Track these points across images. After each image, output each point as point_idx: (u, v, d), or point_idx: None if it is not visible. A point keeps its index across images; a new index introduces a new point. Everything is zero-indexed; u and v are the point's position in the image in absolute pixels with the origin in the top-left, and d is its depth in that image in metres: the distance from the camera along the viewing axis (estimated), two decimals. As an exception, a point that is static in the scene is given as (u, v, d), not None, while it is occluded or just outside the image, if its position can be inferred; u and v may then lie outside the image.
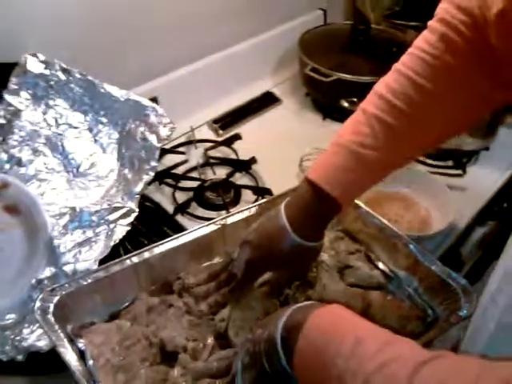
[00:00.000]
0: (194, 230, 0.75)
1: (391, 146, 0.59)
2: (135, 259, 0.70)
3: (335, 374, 0.40)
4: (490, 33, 0.54)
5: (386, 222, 0.76)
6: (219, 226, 0.76)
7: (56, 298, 0.64)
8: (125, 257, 0.70)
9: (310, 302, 0.53)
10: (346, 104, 0.97)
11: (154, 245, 0.72)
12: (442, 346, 0.68)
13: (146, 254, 0.71)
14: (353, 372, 0.39)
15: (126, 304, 0.70)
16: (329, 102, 1.12)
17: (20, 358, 0.64)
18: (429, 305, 0.70)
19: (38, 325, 0.65)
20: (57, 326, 0.61)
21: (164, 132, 0.89)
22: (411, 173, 0.90)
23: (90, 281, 0.67)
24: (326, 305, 0.48)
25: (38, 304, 0.62)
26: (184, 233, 0.75)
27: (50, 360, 0.62)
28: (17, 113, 0.85)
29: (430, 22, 0.59)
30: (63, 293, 0.64)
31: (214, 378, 0.58)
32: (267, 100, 1.19)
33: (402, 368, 0.37)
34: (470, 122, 0.65)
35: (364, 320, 0.46)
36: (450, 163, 1.00)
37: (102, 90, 0.90)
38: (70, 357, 0.59)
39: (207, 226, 0.76)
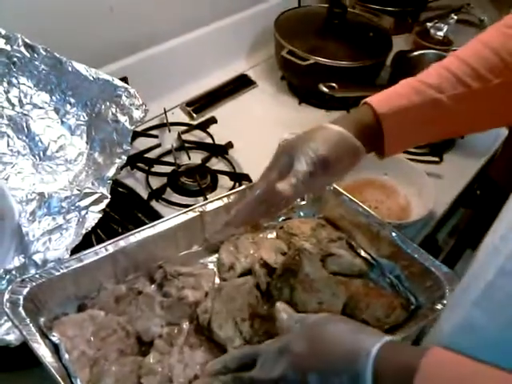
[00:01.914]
0: (172, 218, 0.72)
1: (462, 107, 0.59)
2: (110, 248, 0.67)
3: None
4: None
5: (368, 209, 0.75)
6: (198, 213, 0.73)
7: (26, 290, 0.59)
8: (100, 246, 0.66)
9: (398, 340, 0.50)
10: (324, 89, 0.95)
11: (130, 233, 0.69)
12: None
13: (122, 243, 0.68)
14: None
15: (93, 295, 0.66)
16: (305, 85, 1.10)
17: (-13, 353, 0.59)
18: (411, 292, 0.70)
19: (5, 318, 0.61)
20: (28, 320, 0.57)
21: (137, 114, 0.84)
22: (390, 159, 0.89)
23: (62, 271, 0.63)
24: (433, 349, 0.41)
25: (6, 296, 0.58)
26: (161, 220, 0.72)
27: (21, 355, 0.58)
28: (-24, 91, 0.79)
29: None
30: (34, 284, 0.60)
31: None
32: (242, 83, 1.16)
33: None
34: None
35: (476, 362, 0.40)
36: (426, 150, 1.00)
37: (70, 68, 0.85)
38: (44, 352, 0.55)
39: (185, 213, 0.73)
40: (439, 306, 0.64)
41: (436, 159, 0.99)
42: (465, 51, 0.61)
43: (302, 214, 0.81)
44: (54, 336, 0.59)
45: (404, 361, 0.41)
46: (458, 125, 0.64)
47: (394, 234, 0.72)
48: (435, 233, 0.94)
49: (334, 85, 0.96)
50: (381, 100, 0.61)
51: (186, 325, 0.64)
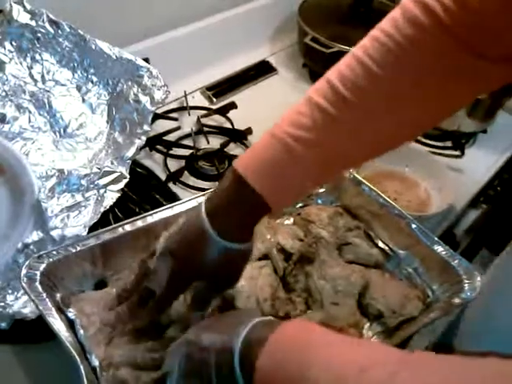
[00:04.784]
0: (190, 200, 0.71)
1: (335, 144, 0.50)
2: (128, 227, 0.66)
3: None
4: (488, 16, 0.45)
5: (388, 199, 0.74)
6: (216, 197, 0.73)
7: (43, 266, 0.60)
8: (117, 224, 0.66)
9: (269, 318, 0.49)
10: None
11: (147, 213, 0.69)
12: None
13: (140, 223, 0.67)
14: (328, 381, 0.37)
15: (112, 272, 0.66)
16: (327, 74, 1.08)
17: (4, 325, 0.59)
18: (428, 285, 0.69)
19: (22, 292, 0.61)
20: (44, 295, 0.57)
21: (158, 95, 0.84)
22: (411, 152, 0.88)
23: (79, 248, 0.63)
24: (288, 321, 0.46)
25: (23, 271, 0.58)
26: (179, 202, 0.71)
27: (37, 328, 0.59)
28: (0, 65, 0.79)
29: (404, 1, 0.48)
30: (51, 260, 0.60)
31: (138, 369, 0.53)
32: (263, 69, 1.15)
33: (380, 372, 0.35)
34: (428, 126, 0.58)
35: (330, 332, 0.43)
36: (448, 144, 0.99)
37: (93, 47, 0.85)
38: (59, 326, 0.55)
39: (204, 195, 0.72)
40: (457, 300, 0.63)
41: (457, 153, 0.98)
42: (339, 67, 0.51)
43: (319, 201, 0.81)
44: (70, 312, 0.59)
45: (261, 334, 0.44)
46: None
47: (413, 226, 0.71)
48: (453, 228, 0.93)
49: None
50: (257, 172, 0.50)
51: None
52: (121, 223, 0.66)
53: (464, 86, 0.51)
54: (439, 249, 0.68)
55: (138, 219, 0.67)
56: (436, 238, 0.70)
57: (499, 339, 0.60)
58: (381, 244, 0.75)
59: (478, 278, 0.64)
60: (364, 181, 0.77)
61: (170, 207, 0.70)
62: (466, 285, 0.64)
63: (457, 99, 0.53)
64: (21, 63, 0.82)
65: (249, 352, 0.43)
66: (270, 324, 0.45)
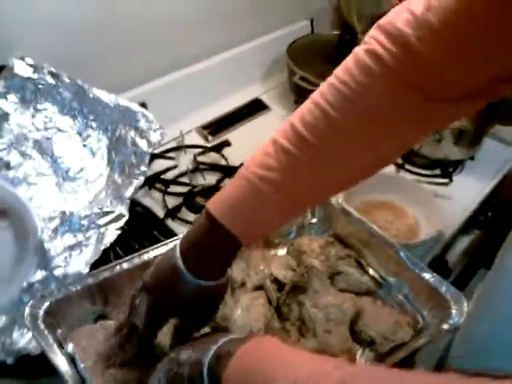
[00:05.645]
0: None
1: (299, 183, 0.53)
2: (125, 265, 0.70)
3: None
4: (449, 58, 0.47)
5: (376, 228, 0.77)
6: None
7: (46, 305, 0.63)
8: (115, 263, 0.69)
9: (239, 336, 0.51)
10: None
11: (144, 250, 0.72)
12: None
13: (136, 260, 0.70)
14: None
15: (111, 308, 0.69)
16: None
17: (10, 360, 0.63)
18: (419, 311, 0.71)
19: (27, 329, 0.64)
20: (46, 332, 0.61)
21: (154, 137, 0.89)
22: (399, 181, 0.92)
23: (79, 287, 0.66)
24: (256, 336, 0.49)
25: (27, 310, 0.62)
26: (174, 238, 0.74)
27: (41, 363, 0.61)
28: (5, 116, 0.84)
29: (356, 49, 0.51)
30: (53, 299, 0.64)
31: None
32: (256, 107, 1.20)
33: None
34: (391, 160, 0.60)
35: (295, 349, 0.46)
36: (436, 172, 1.02)
37: (91, 95, 0.90)
38: (60, 361, 0.58)
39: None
40: (445, 326, 0.65)
41: (446, 180, 1.01)
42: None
43: (312, 231, 0.84)
44: (69, 347, 0.62)
45: (230, 348, 0.46)
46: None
47: (402, 254, 0.73)
48: (444, 254, 0.95)
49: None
50: (226, 211, 0.53)
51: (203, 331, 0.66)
52: (118, 261, 0.69)
53: (421, 124, 0.54)
54: (427, 275, 0.70)
55: (134, 257, 0.70)
56: (423, 265, 0.72)
57: (477, 361, 0.62)
58: (372, 272, 0.77)
59: (465, 304, 0.66)
60: (353, 211, 0.80)
61: (164, 244, 0.73)
62: (454, 310, 0.66)
63: (416, 135, 0.56)
64: (24, 113, 0.86)
65: (217, 364, 0.46)
66: (240, 340, 0.48)
